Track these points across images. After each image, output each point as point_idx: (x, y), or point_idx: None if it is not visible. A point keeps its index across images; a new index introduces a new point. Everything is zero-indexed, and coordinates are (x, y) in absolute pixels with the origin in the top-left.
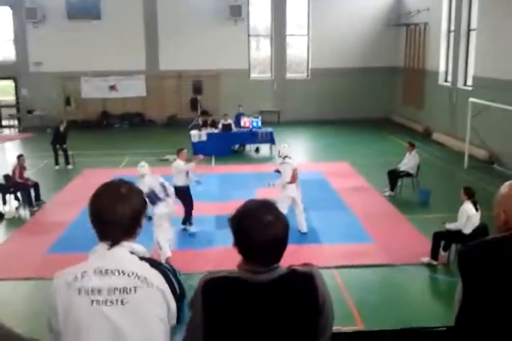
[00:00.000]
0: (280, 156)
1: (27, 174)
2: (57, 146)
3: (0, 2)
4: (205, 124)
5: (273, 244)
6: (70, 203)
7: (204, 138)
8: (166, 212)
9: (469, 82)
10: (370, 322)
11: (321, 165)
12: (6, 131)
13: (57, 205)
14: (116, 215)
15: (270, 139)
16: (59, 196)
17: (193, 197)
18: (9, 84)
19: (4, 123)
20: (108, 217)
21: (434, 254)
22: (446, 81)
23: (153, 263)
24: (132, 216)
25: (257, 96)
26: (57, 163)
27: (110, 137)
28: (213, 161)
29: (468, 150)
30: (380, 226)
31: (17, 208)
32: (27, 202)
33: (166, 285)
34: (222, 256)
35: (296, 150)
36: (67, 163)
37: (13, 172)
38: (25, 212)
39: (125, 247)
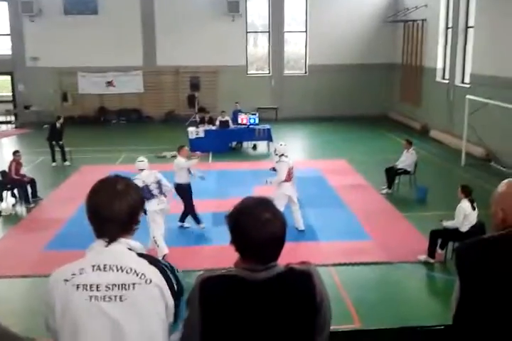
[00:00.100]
0: (276, 154)
1: (23, 170)
2: (54, 143)
3: None
4: (202, 121)
5: (270, 242)
6: (67, 200)
7: (201, 134)
8: (157, 209)
9: (467, 79)
10: (368, 321)
11: (319, 163)
12: (3, 127)
13: (54, 202)
14: (114, 212)
15: (268, 136)
16: (56, 193)
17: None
18: (5, 79)
19: (1, 118)
20: (105, 214)
21: (431, 252)
22: (443, 78)
23: (152, 260)
24: (129, 212)
25: (254, 92)
26: (54, 160)
27: (107, 133)
28: (210, 158)
29: (465, 148)
30: (378, 223)
31: (14, 205)
32: (24, 198)
33: (164, 282)
34: (219, 253)
35: (294, 147)
36: (64, 160)
37: (9, 168)
38: (21, 209)
39: (123, 244)
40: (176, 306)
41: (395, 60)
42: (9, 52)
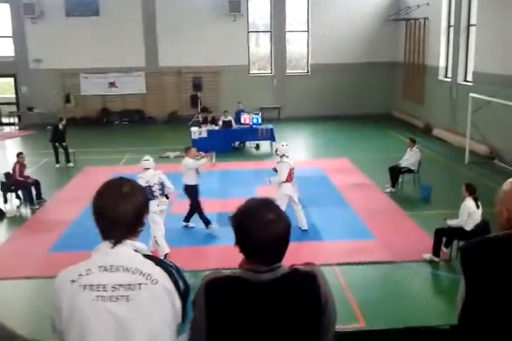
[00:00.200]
0: (278, 155)
1: (27, 172)
2: (57, 144)
3: None
4: (205, 121)
5: (275, 243)
6: (71, 201)
7: (204, 135)
8: (157, 210)
9: (469, 77)
10: (373, 320)
11: (322, 162)
12: (7, 129)
13: (58, 203)
14: (119, 214)
15: (270, 136)
16: (60, 194)
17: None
18: (9, 81)
19: (4, 120)
20: (111, 216)
21: (436, 251)
22: (446, 76)
23: (157, 261)
24: (135, 214)
25: (257, 92)
26: (57, 161)
27: (110, 134)
28: (214, 158)
29: (469, 146)
30: (382, 222)
31: (18, 206)
32: (28, 200)
33: (171, 283)
34: (224, 253)
35: (297, 146)
36: (68, 161)
37: (13, 170)
38: (26, 211)
39: (128, 245)
40: (183, 306)
41: (397, 58)
42: (12, 54)
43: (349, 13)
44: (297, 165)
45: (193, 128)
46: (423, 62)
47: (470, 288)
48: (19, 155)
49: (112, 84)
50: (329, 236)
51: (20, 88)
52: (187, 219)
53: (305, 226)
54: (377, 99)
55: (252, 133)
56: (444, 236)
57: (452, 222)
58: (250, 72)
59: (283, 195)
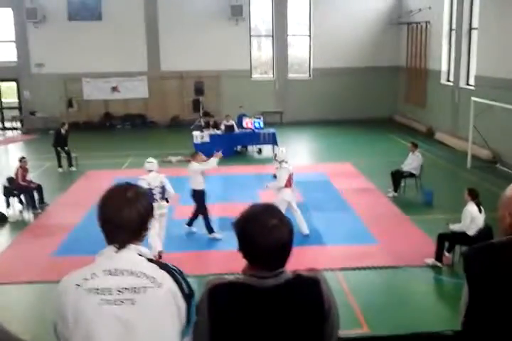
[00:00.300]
0: (277, 160)
1: (30, 176)
2: (59, 149)
3: (1, 4)
4: (207, 125)
5: (278, 248)
6: (73, 205)
7: (206, 139)
8: (155, 213)
9: (471, 81)
10: (376, 326)
11: (324, 166)
12: (9, 133)
13: (61, 207)
14: (124, 219)
15: (272, 140)
16: (62, 198)
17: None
18: (11, 85)
19: (7, 125)
20: (116, 221)
21: (439, 256)
22: (448, 80)
23: (161, 264)
24: (139, 220)
25: (259, 96)
26: (60, 166)
27: (112, 139)
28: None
29: (471, 150)
30: (384, 227)
31: (21, 211)
32: (30, 204)
33: (175, 286)
34: (227, 258)
35: (299, 151)
36: (70, 165)
37: (16, 174)
38: (29, 215)
39: (132, 250)
40: (188, 309)
41: (399, 62)
42: (14, 58)
43: (351, 17)
44: (299, 170)
45: (195, 133)
46: (425, 66)
47: (473, 294)
48: (22, 159)
49: (114, 89)
50: (332, 240)
51: (22, 92)
52: (190, 223)
53: (306, 231)
54: (379, 103)
55: (254, 137)
56: (447, 241)
57: (455, 227)
58: (252, 76)
59: (282, 201)
